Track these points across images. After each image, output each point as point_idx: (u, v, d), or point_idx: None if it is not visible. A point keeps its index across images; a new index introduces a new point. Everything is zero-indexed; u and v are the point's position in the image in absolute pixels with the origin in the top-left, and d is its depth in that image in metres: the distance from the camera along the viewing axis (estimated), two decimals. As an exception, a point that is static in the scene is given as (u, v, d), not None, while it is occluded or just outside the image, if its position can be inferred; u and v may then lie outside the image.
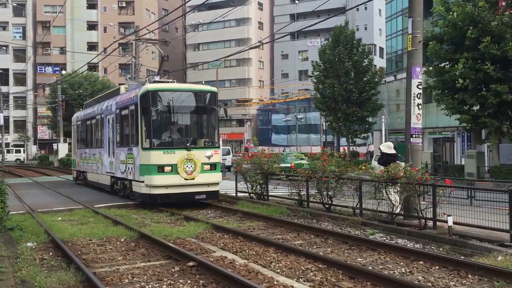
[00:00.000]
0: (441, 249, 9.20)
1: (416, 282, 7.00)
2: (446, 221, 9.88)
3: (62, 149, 49.75)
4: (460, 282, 7.12)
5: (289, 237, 10.68)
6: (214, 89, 16.21)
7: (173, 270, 7.83)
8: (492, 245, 8.90)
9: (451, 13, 24.64)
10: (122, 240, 10.39)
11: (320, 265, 7.96)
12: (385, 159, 12.98)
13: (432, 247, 9.43)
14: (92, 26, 75.23)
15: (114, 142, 17.68)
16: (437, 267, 7.91)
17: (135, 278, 7.38)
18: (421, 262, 8.17)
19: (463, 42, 24.48)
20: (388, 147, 13.28)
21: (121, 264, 8.31)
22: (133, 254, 9.15)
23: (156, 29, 42.77)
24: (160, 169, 14.39)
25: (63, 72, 62.14)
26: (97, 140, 20.64)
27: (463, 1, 25.42)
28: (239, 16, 74.11)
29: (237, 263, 8.19)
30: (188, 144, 14.92)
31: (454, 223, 9.85)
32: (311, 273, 7.55)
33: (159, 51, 18.70)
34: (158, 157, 14.43)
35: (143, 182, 14.71)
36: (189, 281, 7.18)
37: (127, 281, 7.27)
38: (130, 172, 15.82)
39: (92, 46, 73.90)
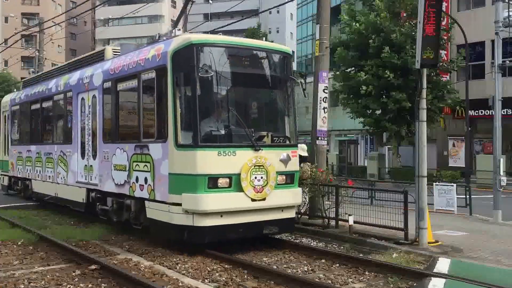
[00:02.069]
0: (342, 247, 9.60)
1: (317, 280, 7.25)
2: (347, 221, 10.34)
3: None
4: (358, 279, 7.47)
5: (197, 238, 10.63)
6: (288, 49, 10.44)
7: (73, 274, 7.53)
8: (388, 243, 9.42)
9: (354, 22, 25.87)
10: (19, 243, 9.83)
11: (226, 266, 8.03)
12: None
13: (334, 245, 9.81)
14: (-9, 15, 70.36)
15: (99, 135, 11.39)
16: (337, 264, 8.24)
17: (31, 284, 7.01)
18: (323, 260, 8.48)
19: (367, 50, 25.73)
20: (302, 149, 13.72)
21: (17, 269, 7.85)
22: (31, 258, 8.70)
23: (62, 22, 40.91)
24: (213, 182, 8.56)
25: (-42, 62, 57.59)
26: (57, 132, 14.28)
27: (368, 11, 26.74)
28: (151, 13, 72.75)
29: (142, 265, 8.03)
30: (254, 140, 9.05)
31: (355, 222, 10.33)
32: (217, 274, 7.58)
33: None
34: (209, 161, 8.57)
35: (178, 205, 8.68)
36: (90, 285, 6.94)
37: (22, 286, 6.89)
38: (140, 186, 9.71)
39: (-9, 37, 69.15)
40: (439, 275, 7.09)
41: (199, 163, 8.49)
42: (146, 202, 9.58)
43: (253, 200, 8.82)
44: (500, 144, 13.65)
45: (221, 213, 8.63)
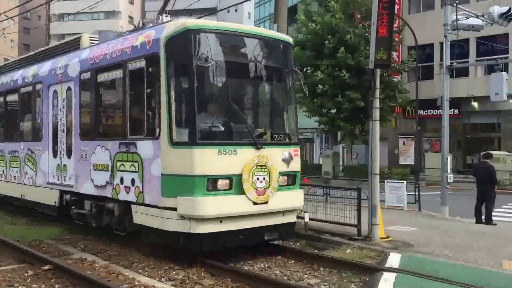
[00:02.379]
0: (297, 244, 9.76)
1: (273, 276, 7.39)
2: (303, 218, 10.52)
3: None
4: (313, 274, 7.65)
5: (153, 237, 10.58)
6: (289, 38, 9.67)
7: (26, 274, 7.37)
8: (342, 239, 9.65)
9: (310, 22, 26.29)
10: (-32, 244, 9.52)
11: (183, 264, 8.03)
12: None
13: (290, 242, 9.94)
14: None
15: (75, 132, 10.28)
16: (293, 261, 8.41)
17: (-19, 285, 6.84)
18: (279, 257, 8.62)
19: (323, 50, 26.17)
20: None
21: (-35, 271, 7.63)
22: (-19, 259, 8.45)
23: (15, 16, 39.64)
24: (212, 184, 7.77)
25: None
26: (23, 129, 12.94)
27: (323, 11, 27.20)
28: (108, 9, 71.43)
29: (97, 265, 7.94)
30: (256, 138, 8.26)
31: (311, 219, 10.52)
32: (174, 272, 7.60)
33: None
34: (208, 160, 7.73)
35: (172, 210, 7.81)
36: (43, 286, 6.84)
37: (-28, 289, 6.72)
38: (125, 188, 8.71)
39: None
40: (391, 269, 7.33)
41: (197, 162, 7.63)
42: (132, 205, 8.56)
43: (255, 203, 8.02)
44: (448, 142, 14.21)
45: (220, 219, 7.81)
